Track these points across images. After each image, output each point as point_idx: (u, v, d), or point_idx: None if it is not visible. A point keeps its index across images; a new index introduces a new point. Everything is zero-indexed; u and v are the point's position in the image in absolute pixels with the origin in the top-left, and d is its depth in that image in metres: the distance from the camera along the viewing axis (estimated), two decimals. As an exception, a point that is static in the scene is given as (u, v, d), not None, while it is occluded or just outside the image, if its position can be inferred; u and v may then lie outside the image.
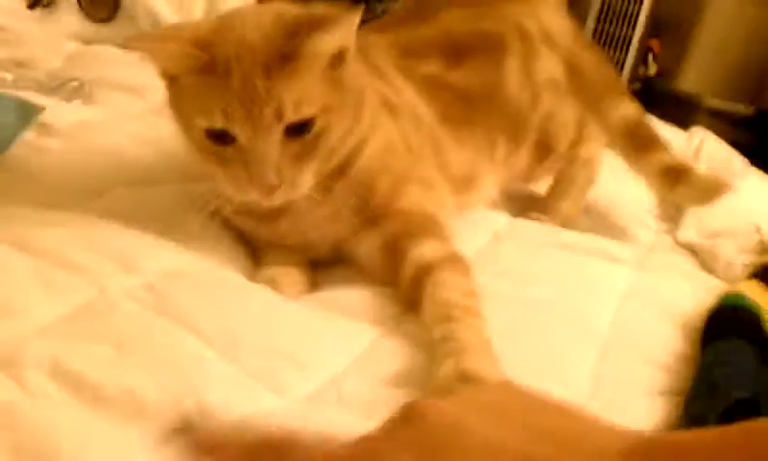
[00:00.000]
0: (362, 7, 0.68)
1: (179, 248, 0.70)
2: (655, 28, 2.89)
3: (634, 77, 2.82)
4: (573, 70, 1.04)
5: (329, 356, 0.60)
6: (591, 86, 1.04)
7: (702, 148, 1.41)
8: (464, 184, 0.93)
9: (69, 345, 0.52)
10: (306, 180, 0.69)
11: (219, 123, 0.65)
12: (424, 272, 0.70)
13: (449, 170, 0.89)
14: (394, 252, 0.74)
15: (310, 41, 0.65)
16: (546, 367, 0.63)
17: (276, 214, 0.74)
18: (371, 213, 0.75)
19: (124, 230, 0.70)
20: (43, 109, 0.90)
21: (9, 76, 1.08)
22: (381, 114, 0.79)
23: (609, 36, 2.72)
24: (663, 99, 2.91)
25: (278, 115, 0.64)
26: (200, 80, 0.66)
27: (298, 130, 0.66)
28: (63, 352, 0.50)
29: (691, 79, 3.17)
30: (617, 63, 2.72)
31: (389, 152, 0.78)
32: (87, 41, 1.40)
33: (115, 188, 0.80)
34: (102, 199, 0.78)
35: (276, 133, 0.65)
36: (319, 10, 0.68)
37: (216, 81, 0.64)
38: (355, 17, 0.67)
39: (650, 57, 3.07)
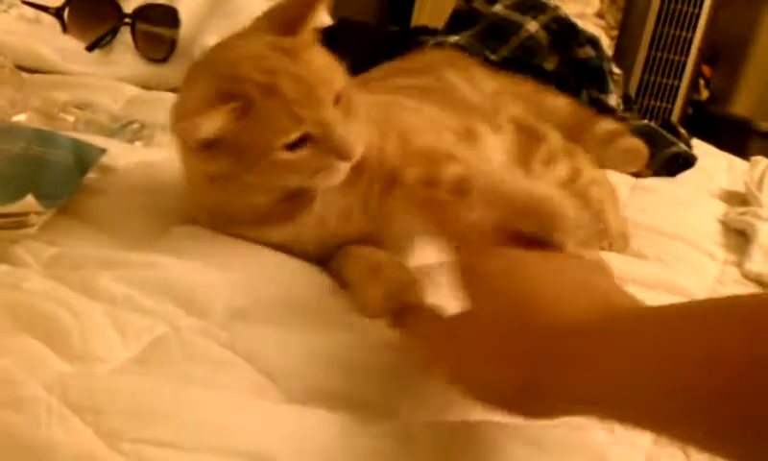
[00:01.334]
0: None
1: (245, 283, 0.70)
2: (706, 54, 2.86)
3: (687, 102, 2.78)
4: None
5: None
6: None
7: (766, 175, 1.38)
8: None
9: (146, 388, 0.51)
10: (362, 131, 0.74)
11: (296, 132, 0.69)
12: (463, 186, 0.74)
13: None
14: (427, 189, 0.77)
15: (309, 20, 0.74)
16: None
17: (299, 210, 0.76)
18: (388, 176, 0.79)
19: (189, 269, 0.70)
20: (105, 151, 0.91)
21: (70, 118, 1.09)
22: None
23: (662, 63, 2.69)
24: (715, 124, 2.88)
25: (329, 89, 0.71)
26: (250, 118, 0.69)
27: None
28: (140, 396, 0.50)
29: (743, 103, 3.14)
30: (671, 90, 2.68)
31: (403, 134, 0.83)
32: (143, 81, 1.42)
33: (177, 228, 0.81)
34: (165, 239, 0.79)
35: (332, 106, 0.71)
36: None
37: (267, 105, 0.69)
38: None
39: (701, 82, 3.03)
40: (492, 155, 1.03)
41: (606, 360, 0.45)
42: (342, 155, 0.71)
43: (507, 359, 0.49)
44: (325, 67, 0.73)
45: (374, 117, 0.81)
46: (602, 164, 1.14)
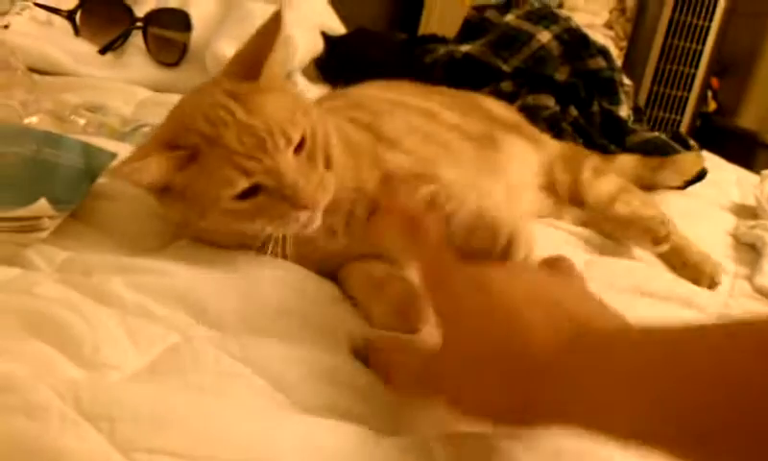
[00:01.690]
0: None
1: (255, 293, 0.70)
2: (715, 66, 2.86)
3: (696, 114, 2.78)
4: None
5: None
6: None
7: (776, 190, 1.37)
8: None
9: (159, 397, 0.51)
10: (327, 180, 0.72)
11: (243, 183, 0.67)
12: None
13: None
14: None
15: (267, 64, 0.72)
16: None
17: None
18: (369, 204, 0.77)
19: (199, 277, 0.70)
20: (116, 155, 0.91)
21: (81, 121, 1.09)
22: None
23: (672, 75, 2.68)
24: (722, 136, 2.87)
25: (287, 140, 0.69)
26: (195, 169, 0.69)
27: (297, 150, 0.70)
28: (153, 404, 0.50)
29: (750, 116, 3.14)
30: (680, 101, 2.68)
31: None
32: (155, 85, 1.42)
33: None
34: (174, 245, 0.78)
35: (290, 154, 0.69)
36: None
37: (211, 156, 0.68)
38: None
39: (709, 94, 3.03)
40: (520, 156, 1.08)
41: (590, 374, 0.46)
42: (296, 204, 0.68)
43: (493, 381, 0.50)
44: (282, 111, 0.70)
45: (356, 144, 0.81)
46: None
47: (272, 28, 0.75)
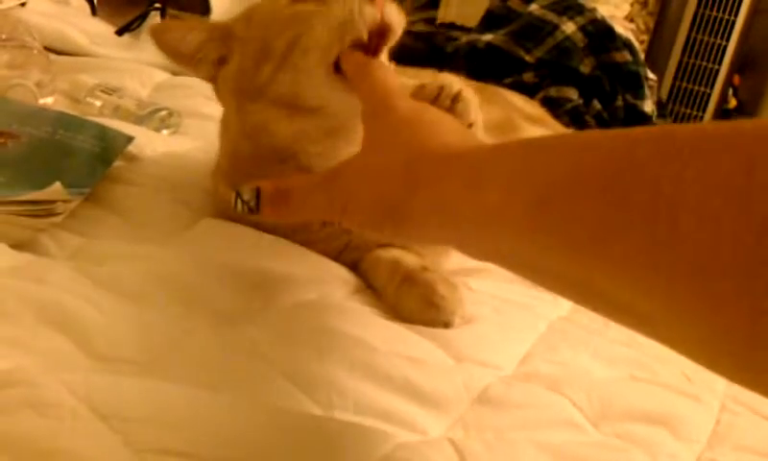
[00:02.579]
0: None
1: (266, 283, 0.68)
2: (736, 62, 2.82)
3: (718, 111, 2.74)
4: None
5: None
6: None
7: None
8: None
9: (173, 393, 0.49)
10: None
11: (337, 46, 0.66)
12: None
13: None
14: None
15: None
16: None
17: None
18: None
19: (212, 267, 0.68)
20: (132, 139, 0.89)
21: (97, 102, 1.08)
22: None
23: (695, 70, 2.64)
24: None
25: None
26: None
27: None
28: (168, 402, 0.48)
29: (771, 113, 3.11)
30: (702, 97, 2.64)
31: None
32: (171, 67, 1.40)
33: (203, 220, 0.79)
34: (191, 231, 0.77)
35: None
36: None
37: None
38: None
39: (730, 91, 3.00)
40: None
41: (466, 159, 0.47)
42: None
43: (380, 179, 0.51)
44: None
45: None
46: None
47: None
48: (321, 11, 0.66)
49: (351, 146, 0.68)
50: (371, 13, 0.65)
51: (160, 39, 0.74)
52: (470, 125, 0.67)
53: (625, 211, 0.34)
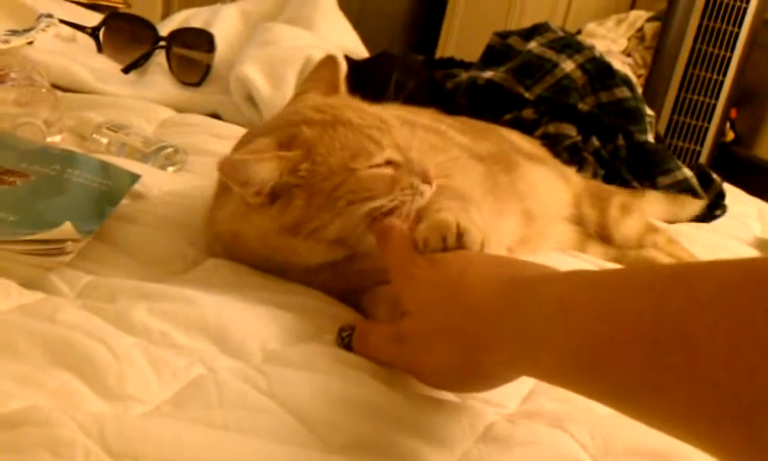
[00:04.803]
0: None
1: (280, 321, 0.69)
2: (733, 96, 2.85)
3: (715, 145, 2.77)
4: None
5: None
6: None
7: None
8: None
9: (183, 434, 0.50)
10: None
11: (378, 157, 0.70)
12: None
13: None
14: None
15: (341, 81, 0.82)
16: None
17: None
18: None
19: (222, 304, 0.69)
20: (139, 177, 0.91)
21: (104, 140, 1.09)
22: None
23: (692, 105, 2.67)
24: (740, 165, 2.86)
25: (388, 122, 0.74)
26: (313, 158, 0.70)
27: None
28: (177, 443, 0.49)
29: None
30: (699, 131, 2.67)
31: None
32: (176, 104, 1.41)
33: (209, 260, 0.80)
34: (198, 270, 0.78)
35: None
36: None
37: (336, 135, 0.70)
38: None
39: (727, 124, 3.02)
40: (544, 186, 1.09)
41: (518, 311, 0.52)
42: (425, 178, 0.71)
43: (445, 342, 0.56)
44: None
45: None
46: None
47: (329, 63, 0.84)
48: (393, 178, 0.70)
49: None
50: (427, 195, 0.72)
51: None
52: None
53: (665, 373, 0.40)
